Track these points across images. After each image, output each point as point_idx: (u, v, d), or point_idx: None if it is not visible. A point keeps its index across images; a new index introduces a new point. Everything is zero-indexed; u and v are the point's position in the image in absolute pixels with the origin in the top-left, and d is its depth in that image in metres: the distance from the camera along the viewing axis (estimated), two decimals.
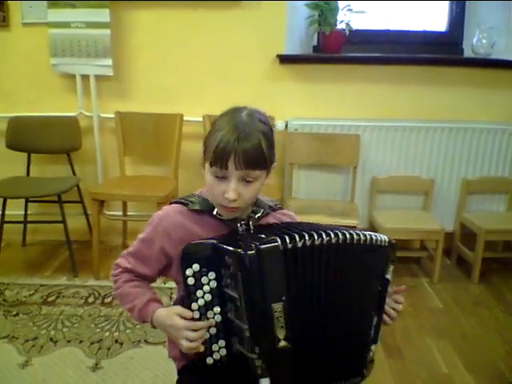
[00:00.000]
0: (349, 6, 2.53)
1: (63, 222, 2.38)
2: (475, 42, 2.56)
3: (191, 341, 0.86)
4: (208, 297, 0.87)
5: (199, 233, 0.95)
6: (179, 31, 2.55)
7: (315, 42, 2.68)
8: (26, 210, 2.67)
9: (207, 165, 0.90)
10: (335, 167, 2.61)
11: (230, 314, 0.87)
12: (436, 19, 2.73)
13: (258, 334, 0.83)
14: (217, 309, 0.88)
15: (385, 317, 1.00)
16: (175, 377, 1.05)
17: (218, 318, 0.88)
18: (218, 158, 0.87)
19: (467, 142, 2.57)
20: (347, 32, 2.52)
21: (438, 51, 2.66)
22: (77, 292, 2.25)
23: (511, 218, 2.60)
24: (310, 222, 1.01)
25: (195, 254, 0.87)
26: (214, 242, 0.87)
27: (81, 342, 1.85)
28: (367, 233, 0.93)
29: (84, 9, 2.43)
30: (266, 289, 0.82)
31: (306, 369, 0.89)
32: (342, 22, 2.52)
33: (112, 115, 2.59)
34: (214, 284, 0.87)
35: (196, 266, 0.87)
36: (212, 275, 0.87)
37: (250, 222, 0.94)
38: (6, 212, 2.47)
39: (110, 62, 2.51)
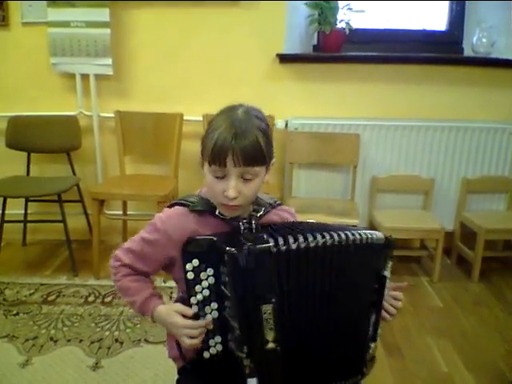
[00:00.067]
0: (349, 5, 2.53)
1: (63, 221, 2.38)
2: (475, 41, 2.56)
3: (192, 337, 0.87)
4: (206, 292, 0.88)
5: (202, 233, 0.95)
6: (179, 31, 2.55)
7: (315, 42, 2.67)
8: (26, 209, 2.67)
9: (206, 164, 0.91)
10: (335, 166, 2.61)
11: (226, 311, 0.88)
12: (436, 18, 2.73)
13: (247, 334, 0.83)
14: (214, 305, 0.88)
15: (384, 314, 0.99)
16: (175, 376, 1.05)
17: (215, 314, 0.89)
18: (216, 156, 0.87)
19: (467, 141, 2.57)
20: (347, 31, 2.52)
21: (438, 50, 2.66)
22: (77, 291, 2.25)
23: (511, 217, 2.60)
24: (313, 220, 1.01)
25: (195, 249, 0.88)
26: (214, 239, 0.88)
27: (81, 341, 1.85)
28: (362, 231, 0.93)
29: (84, 8, 2.43)
30: (255, 290, 0.82)
31: (299, 370, 0.89)
32: (341, 21, 2.52)
33: (112, 114, 2.59)
34: (212, 280, 0.88)
35: (196, 261, 0.87)
36: (210, 271, 0.87)
37: (253, 221, 0.94)
38: (6, 211, 2.47)
39: (109, 61, 2.51)
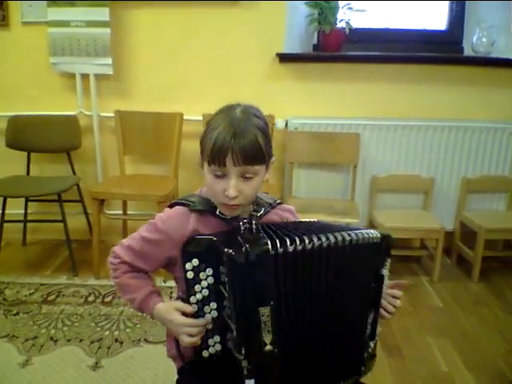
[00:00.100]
0: (349, 4, 2.53)
1: (63, 221, 2.38)
2: (475, 41, 2.56)
3: (191, 336, 0.87)
4: (205, 292, 0.88)
5: (202, 233, 0.95)
6: (179, 31, 2.54)
7: (315, 41, 2.67)
8: (26, 209, 2.67)
9: (205, 164, 0.91)
10: (335, 166, 2.61)
11: (225, 311, 0.88)
12: (436, 18, 2.73)
13: (244, 336, 0.83)
14: (213, 305, 0.89)
15: (383, 312, 0.99)
16: (175, 376, 1.05)
17: (214, 313, 0.89)
18: (215, 156, 0.86)
19: (467, 141, 2.57)
20: (347, 31, 2.52)
21: (438, 50, 2.65)
22: (77, 291, 2.25)
23: (511, 217, 2.60)
24: (313, 220, 1.01)
25: (195, 249, 0.88)
26: (214, 239, 0.87)
27: (81, 340, 1.85)
28: (358, 231, 0.93)
29: (84, 8, 2.43)
30: (253, 292, 0.82)
31: (297, 372, 0.89)
32: (341, 20, 2.52)
33: (112, 114, 2.59)
34: (211, 280, 0.88)
35: (195, 261, 0.87)
36: (210, 271, 0.87)
37: (253, 221, 0.94)
38: (6, 211, 2.47)
39: (109, 60, 2.51)
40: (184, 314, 0.89)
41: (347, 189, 2.61)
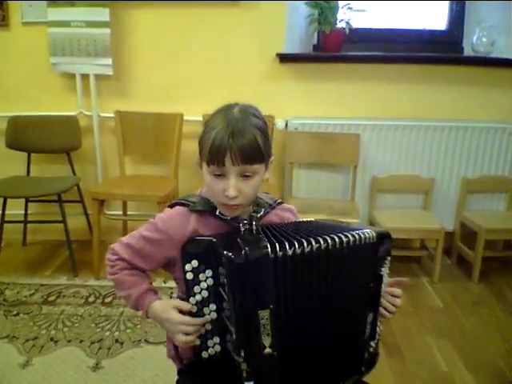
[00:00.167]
0: (349, 4, 2.53)
1: (63, 221, 2.38)
2: (475, 41, 2.56)
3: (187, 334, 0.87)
4: (205, 293, 0.88)
5: (202, 234, 0.95)
6: (179, 31, 2.54)
7: (315, 41, 2.67)
8: (26, 209, 2.67)
9: (204, 164, 0.90)
10: (335, 166, 2.61)
11: (224, 312, 0.88)
12: (436, 18, 2.73)
13: (244, 339, 0.83)
14: (213, 306, 0.89)
15: (383, 311, 0.99)
16: (175, 376, 1.05)
17: (214, 315, 0.89)
18: (214, 155, 0.86)
19: (467, 141, 2.57)
20: (347, 31, 2.52)
21: (438, 50, 2.65)
22: (77, 292, 2.25)
23: (511, 217, 2.59)
24: (312, 219, 1.01)
25: (195, 250, 0.88)
26: (213, 240, 0.87)
27: (81, 341, 1.85)
28: (355, 232, 0.92)
29: (84, 8, 2.43)
30: (252, 295, 0.82)
31: (296, 373, 0.89)
32: (341, 20, 2.52)
33: (112, 114, 2.59)
34: (210, 282, 0.88)
35: (195, 262, 0.87)
36: (209, 273, 0.87)
37: (253, 222, 0.93)
38: (6, 212, 2.47)
39: (109, 61, 2.51)
40: (181, 312, 0.89)
41: (347, 189, 2.61)
